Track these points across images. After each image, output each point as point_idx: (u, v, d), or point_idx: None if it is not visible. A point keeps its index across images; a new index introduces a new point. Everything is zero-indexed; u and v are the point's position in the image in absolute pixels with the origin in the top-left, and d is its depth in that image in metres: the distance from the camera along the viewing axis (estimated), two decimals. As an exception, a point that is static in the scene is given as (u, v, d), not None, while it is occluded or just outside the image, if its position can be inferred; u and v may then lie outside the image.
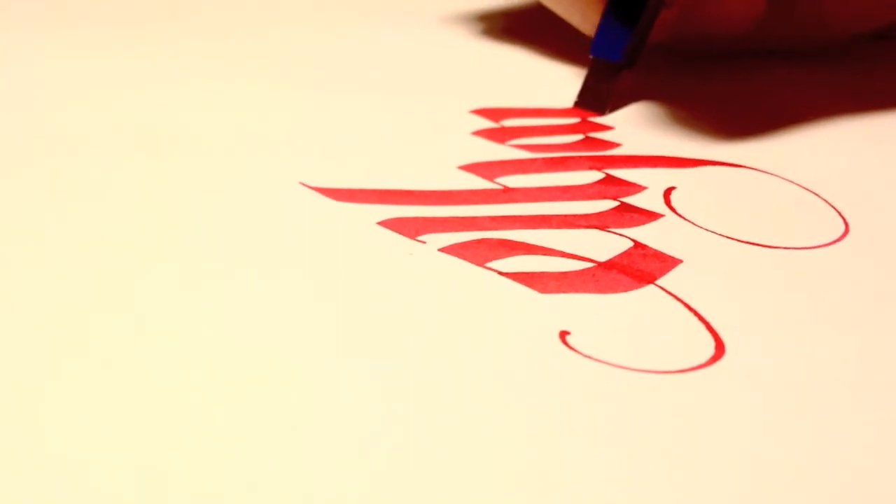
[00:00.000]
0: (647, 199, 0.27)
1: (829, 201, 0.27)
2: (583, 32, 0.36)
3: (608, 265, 0.24)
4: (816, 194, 0.28)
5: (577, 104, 0.32)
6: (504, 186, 0.27)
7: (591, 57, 0.33)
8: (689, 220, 0.26)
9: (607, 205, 0.26)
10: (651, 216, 0.26)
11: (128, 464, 0.17)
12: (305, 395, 0.19)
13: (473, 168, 0.28)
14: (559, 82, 0.35)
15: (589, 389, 0.20)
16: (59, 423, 0.18)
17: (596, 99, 0.32)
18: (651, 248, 0.24)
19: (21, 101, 0.31)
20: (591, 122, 0.31)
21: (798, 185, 0.28)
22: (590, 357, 0.21)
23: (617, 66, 0.32)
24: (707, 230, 0.25)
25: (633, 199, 0.27)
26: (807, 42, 0.37)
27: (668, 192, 0.27)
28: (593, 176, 0.28)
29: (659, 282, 0.23)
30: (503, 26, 0.40)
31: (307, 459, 0.18)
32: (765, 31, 0.35)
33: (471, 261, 0.24)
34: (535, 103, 0.33)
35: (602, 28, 0.33)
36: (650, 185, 0.27)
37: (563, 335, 0.21)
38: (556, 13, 0.36)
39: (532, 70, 0.36)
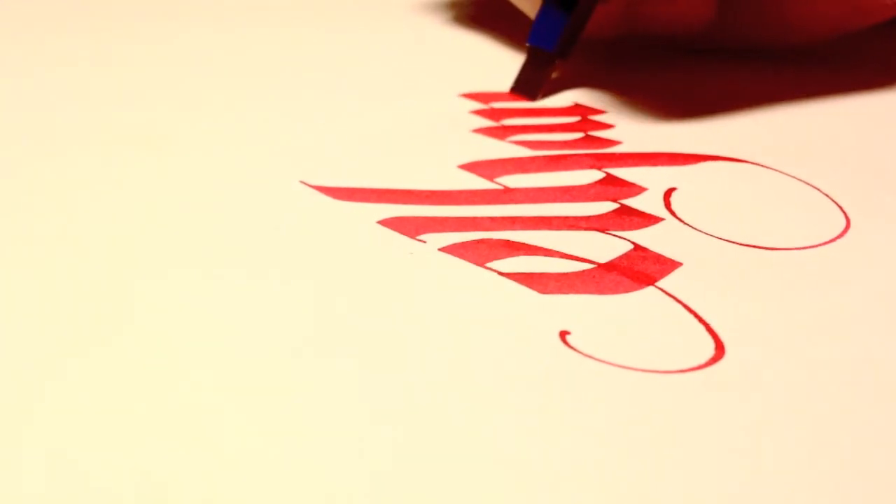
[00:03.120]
0: (647, 202, 0.27)
1: (830, 195, 0.27)
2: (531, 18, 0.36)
3: (608, 267, 0.24)
4: (817, 188, 0.28)
5: (512, 90, 0.34)
6: (504, 186, 0.27)
7: (527, 45, 0.34)
8: (688, 224, 0.26)
9: (607, 207, 0.26)
10: (651, 220, 0.26)
11: (126, 465, 0.17)
12: (305, 394, 0.19)
13: (473, 167, 0.28)
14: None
15: (589, 389, 0.20)
16: (55, 423, 0.18)
17: (529, 86, 0.33)
18: (651, 251, 0.24)
19: (21, 101, 0.31)
20: (591, 121, 0.31)
21: (798, 179, 0.28)
22: (590, 356, 0.21)
23: (551, 56, 0.33)
24: (707, 234, 0.25)
25: (633, 202, 0.27)
26: (769, 44, 0.37)
27: (667, 194, 0.27)
28: (594, 175, 0.28)
29: (659, 284, 0.23)
30: (471, 14, 0.41)
31: (307, 459, 0.18)
32: (718, 32, 0.36)
33: (471, 261, 0.24)
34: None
35: (540, 17, 0.34)
36: (650, 186, 0.27)
37: (563, 335, 0.21)
38: (511, 2, 0.37)
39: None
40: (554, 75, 0.34)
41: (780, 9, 0.35)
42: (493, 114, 0.32)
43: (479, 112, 0.32)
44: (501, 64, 0.36)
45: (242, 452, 0.18)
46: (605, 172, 0.28)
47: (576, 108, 0.32)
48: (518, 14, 0.37)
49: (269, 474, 0.17)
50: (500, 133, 0.30)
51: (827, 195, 0.27)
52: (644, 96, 0.33)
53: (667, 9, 0.34)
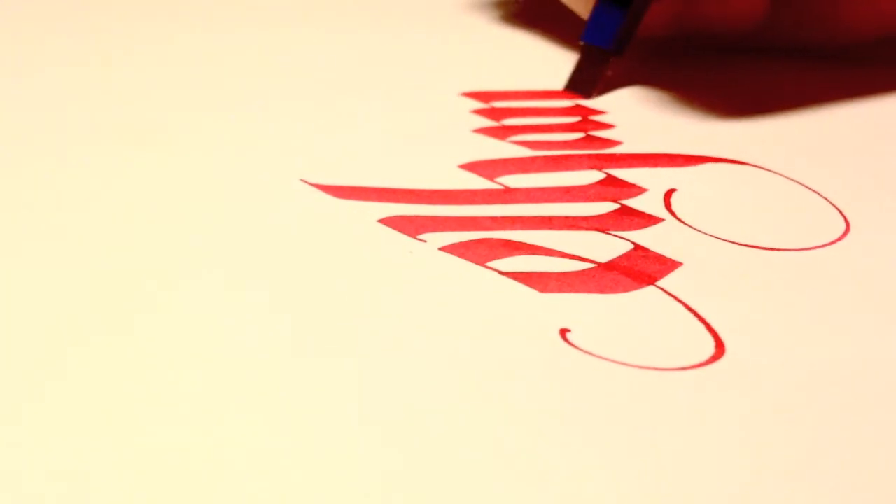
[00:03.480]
0: (647, 202, 0.27)
1: (830, 199, 0.27)
2: (582, 17, 0.36)
3: (608, 266, 0.24)
4: (817, 192, 0.28)
5: (566, 88, 0.34)
6: (505, 186, 0.27)
7: (581, 43, 0.34)
8: (689, 225, 0.26)
9: (608, 207, 0.26)
10: (651, 220, 0.26)
11: (126, 464, 0.17)
12: (304, 393, 0.19)
13: (474, 167, 0.28)
14: (559, 68, 0.35)
15: (589, 386, 0.20)
16: (55, 422, 0.18)
17: (584, 84, 0.33)
18: (651, 251, 0.24)
19: (22, 101, 0.31)
20: (592, 121, 0.31)
21: (799, 182, 0.28)
22: (590, 353, 0.21)
23: (606, 53, 0.33)
24: (707, 234, 0.25)
25: (633, 202, 0.27)
26: (820, 44, 0.37)
27: (668, 195, 0.27)
28: (594, 176, 0.28)
29: (659, 283, 0.23)
30: (514, 13, 0.41)
31: (306, 457, 0.18)
32: (771, 30, 0.35)
33: (471, 260, 0.24)
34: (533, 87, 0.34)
35: (594, 15, 0.34)
36: (651, 187, 0.27)
37: (564, 332, 0.21)
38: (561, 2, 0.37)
39: (535, 56, 0.37)
40: (608, 73, 0.34)
41: (834, 8, 0.35)
42: (493, 113, 0.32)
43: (479, 111, 0.32)
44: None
45: (243, 452, 0.18)
46: (606, 173, 0.28)
47: (576, 109, 0.32)
48: (555, 13, 0.37)
49: (269, 473, 0.17)
50: (501, 133, 0.30)
51: (827, 199, 0.27)
52: (695, 94, 0.33)
53: (719, 7, 0.34)
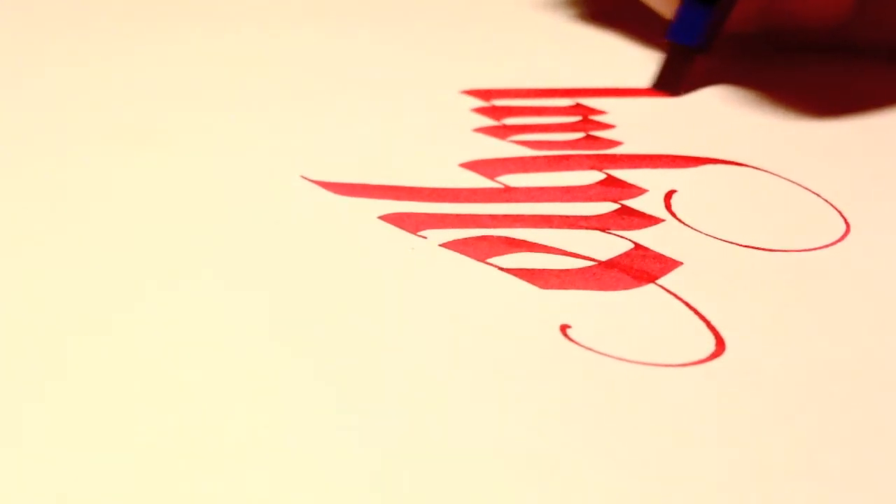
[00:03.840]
0: (647, 203, 0.27)
1: (830, 201, 0.27)
2: (663, 16, 0.36)
3: (609, 264, 0.24)
4: (817, 194, 0.28)
5: (654, 86, 0.34)
6: (505, 185, 0.27)
7: (667, 41, 0.34)
8: (689, 226, 0.26)
9: (608, 207, 0.26)
10: (651, 220, 0.26)
11: (126, 465, 0.17)
12: (304, 389, 0.19)
13: (474, 166, 0.28)
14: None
15: (590, 382, 0.20)
16: (54, 423, 0.18)
17: (671, 82, 0.34)
18: (651, 250, 0.24)
19: (22, 101, 0.31)
20: (592, 121, 0.31)
21: (799, 184, 0.28)
22: (591, 349, 0.21)
23: (692, 51, 0.34)
24: (707, 234, 0.25)
25: (633, 203, 0.27)
26: None
27: (668, 196, 0.27)
28: (594, 176, 0.28)
29: (659, 281, 0.23)
30: (582, 13, 0.40)
31: (306, 455, 0.18)
32: (854, 30, 0.35)
33: (472, 256, 0.24)
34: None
35: (680, 13, 0.34)
36: (651, 188, 0.27)
37: (564, 329, 0.21)
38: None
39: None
40: (695, 70, 0.34)
41: None
42: (494, 112, 0.32)
43: (479, 110, 0.32)
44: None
45: (242, 452, 0.18)
46: (606, 173, 0.28)
47: (576, 108, 0.32)
48: (627, 11, 0.37)
49: (269, 474, 0.17)
50: (502, 132, 0.30)
51: (827, 201, 0.27)
52: (781, 92, 0.33)
53: (804, 4, 0.34)
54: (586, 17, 0.40)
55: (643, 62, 0.35)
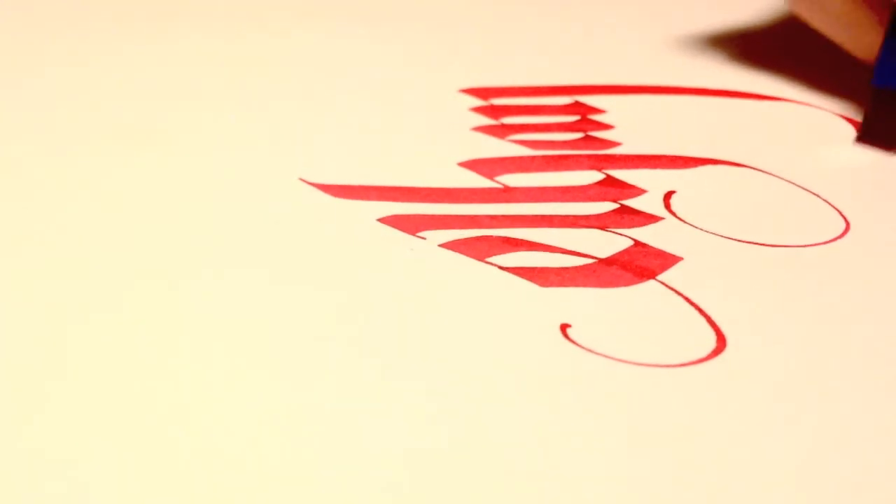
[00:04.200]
0: (647, 203, 0.27)
1: (829, 201, 0.27)
2: (857, 55, 0.32)
3: (609, 261, 0.24)
4: (816, 194, 0.28)
5: (859, 139, 0.29)
6: (504, 185, 0.27)
7: (872, 86, 0.29)
8: (688, 223, 0.26)
9: (607, 206, 0.26)
10: (651, 219, 0.26)
11: (126, 465, 0.17)
12: (305, 389, 0.19)
13: (473, 165, 0.28)
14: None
15: (590, 383, 0.20)
16: (54, 422, 0.18)
17: (882, 133, 0.29)
18: (651, 247, 0.24)
19: (23, 101, 0.31)
20: (591, 120, 0.31)
21: (798, 185, 0.28)
22: (591, 350, 0.21)
23: None
24: (707, 231, 0.25)
25: (633, 202, 0.27)
26: None
27: (667, 196, 0.27)
28: (593, 176, 0.28)
29: (659, 277, 0.23)
30: (735, 53, 0.37)
31: (306, 454, 0.18)
32: None
33: (472, 256, 0.24)
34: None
35: (885, 53, 0.29)
36: (650, 188, 0.27)
37: (564, 328, 0.21)
38: (814, 27, 0.32)
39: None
40: None
41: None
42: (492, 111, 0.32)
43: (478, 109, 0.32)
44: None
45: (242, 451, 0.18)
46: (605, 174, 0.28)
47: (575, 106, 0.32)
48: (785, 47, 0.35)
49: (269, 473, 0.17)
50: (500, 132, 0.30)
51: (826, 201, 0.27)
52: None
53: None
54: (740, 57, 0.38)
55: (643, 61, 0.35)
